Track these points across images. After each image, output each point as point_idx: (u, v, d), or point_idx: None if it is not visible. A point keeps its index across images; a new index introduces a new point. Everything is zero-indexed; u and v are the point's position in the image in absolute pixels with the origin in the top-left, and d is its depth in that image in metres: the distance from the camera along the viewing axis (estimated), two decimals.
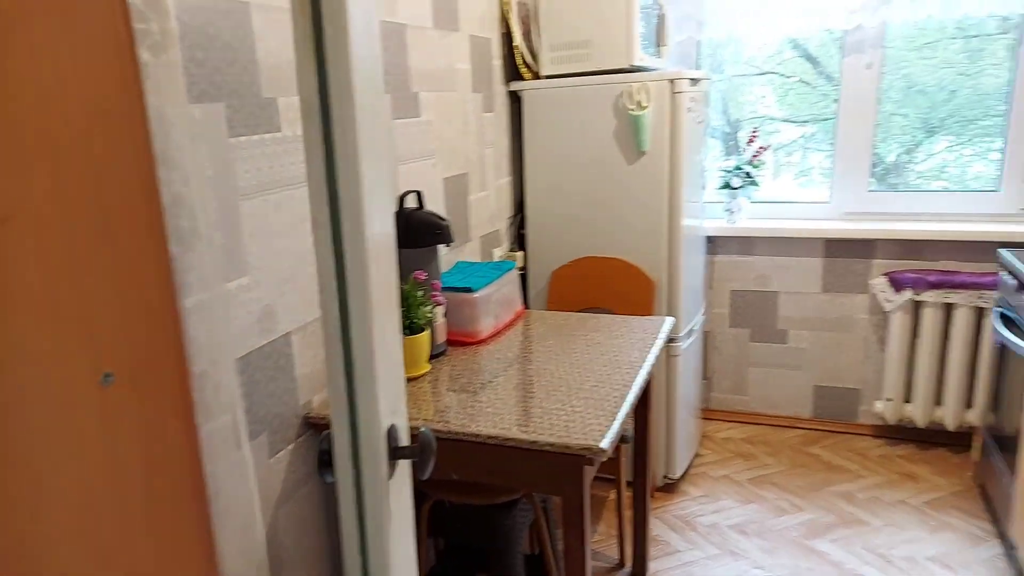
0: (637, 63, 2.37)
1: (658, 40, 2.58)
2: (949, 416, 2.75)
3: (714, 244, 3.03)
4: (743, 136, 3.07)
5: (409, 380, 1.69)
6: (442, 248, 2.11)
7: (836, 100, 2.88)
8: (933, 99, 2.83)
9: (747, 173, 2.89)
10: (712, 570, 2.19)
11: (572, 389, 1.59)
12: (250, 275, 1.40)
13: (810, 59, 2.99)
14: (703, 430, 3.09)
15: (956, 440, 2.85)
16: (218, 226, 1.31)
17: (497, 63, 2.47)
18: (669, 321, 2.03)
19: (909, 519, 2.40)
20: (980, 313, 2.65)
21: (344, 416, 0.84)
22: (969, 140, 2.83)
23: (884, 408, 2.86)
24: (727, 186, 2.92)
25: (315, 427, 1.60)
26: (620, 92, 2.36)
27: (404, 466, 0.93)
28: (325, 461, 0.85)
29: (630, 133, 2.38)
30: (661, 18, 2.58)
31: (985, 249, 2.67)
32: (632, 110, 2.33)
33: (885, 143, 2.91)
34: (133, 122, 0.69)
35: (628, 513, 2.46)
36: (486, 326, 1.91)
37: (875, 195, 2.89)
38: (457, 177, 2.23)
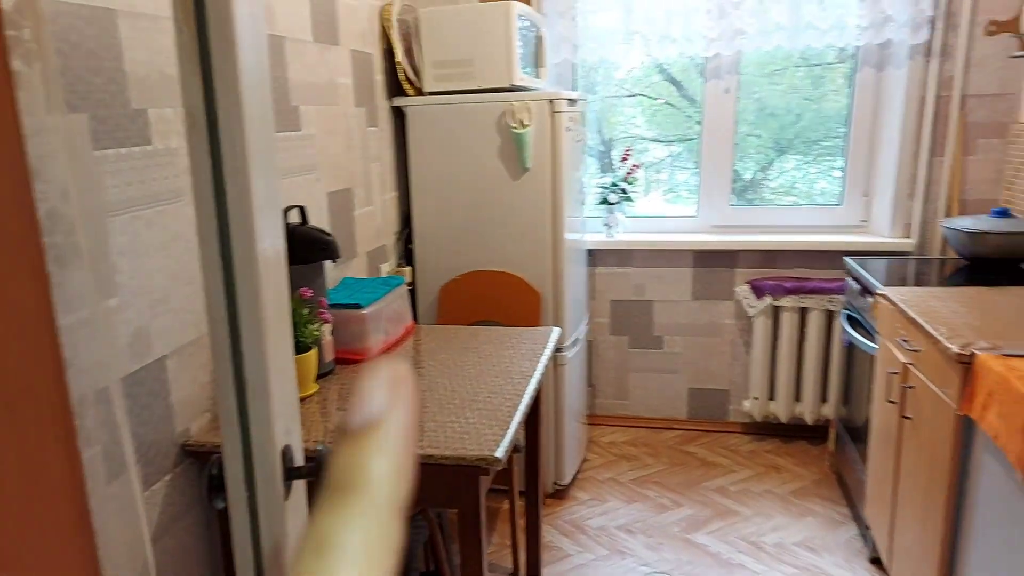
0: (518, 83, 2.44)
1: (537, 61, 2.67)
2: (807, 411, 3.00)
3: (594, 257, 3.16)
4: (616, 154, 3.23)
5: None
6: (328, 264, 2.06)
7: (699, 122, 3.10)
8: (782, 121, 3.10)
9: (622, 189, 3.04)
10: (602, 571, 2.27)
11: (465, 401, 1.60)
12: (120, 296, 1.31)
13: (674, 83, 3.20)
14: (589, 435, 3.20)
15: (814, 433, 3.12)
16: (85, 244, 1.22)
17: (379, 78, 2.46)
18: (556, 331, 2.10)
19: (776, 508, 2.60)
20: (830, 315, 2.93)
21: (236, 437, 0.81)
22: (814, 159, 3.13)
23: (751, 406, 3.09)
24: (605, 201, 3.06)
25: (194, 456, 1.51)
26: (503, 110, 2.42)
27: (300, 487, 0.91)
28: (216, 486, 0.81)
29: (513, 150, 2.44)
30: (539, 39, 2.68)
31: (832, 257, 2.96)
32: (515, 128, 2.39)
33: (743, 161, 3.16)
34: (6, 135, 0.63)
35: (521, 522, 2.49)
36: (376, 343, 1.89)
37: (736, 209, 3.13)
38: (341, 192, 2.20)
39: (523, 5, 2.47)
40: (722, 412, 3.20)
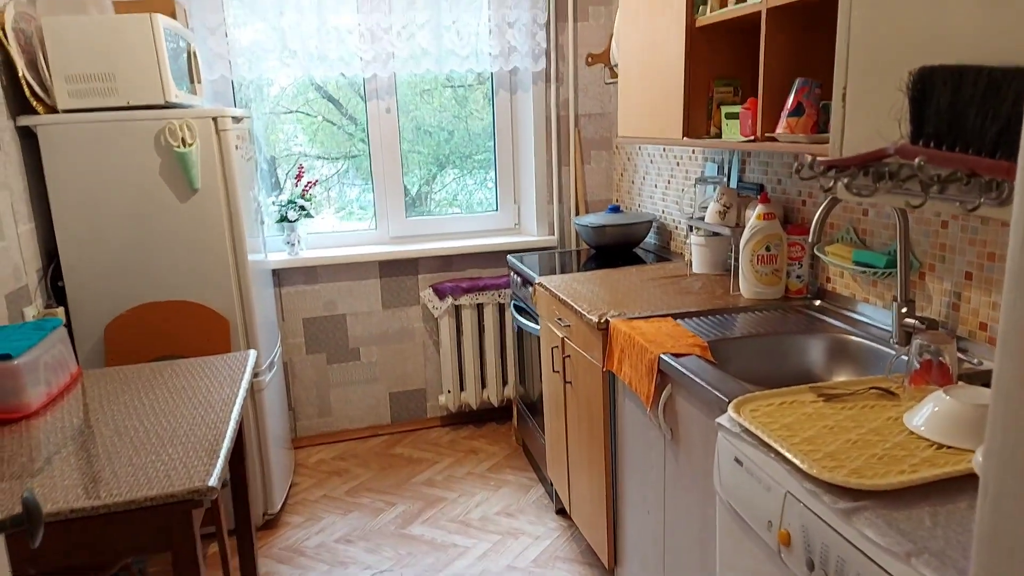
0: (173, 100, 2.30)
1: (192, 77, 2.54)
2: (493, 395, 3.36)
3: (280, 277, 3.11)
4: (283, 173, 3.22)
5: None
6: None
7: (362, 139, 3.25)
8: (437, 138, 3.42)
9: (301, 206, 3.05)
10: None
11: (164, 439, 1.50)
12: None
13: (332, 100, 3.30)
14: (295, 459, 3.13)
15: (501, 413, 3.50)
16: None
17: None
18: (252, 354, 2.04)
19: (477, 486, 2.87)
20: (502, 308, 3.32)
21: None
22: (469, 172, 3.51)
23: (446, 400, 3.34)
24: (284, 219, 3.03)
25: None
26: (161, 129, 2.26)
27: None
28: None
29: (179, 171, 2.29)
30: (191, 55, 2.55)
31: (496, 257, 3.36)
32: (177, 147, 2.25)
33: (408, 176, 3.40)
34: None
35: (234, 562, 2.36)
36: (36, 396, 1.63)
37: (411, 220, 3.36)
38: None
39: (168, 19, 2.34)
40: (421, 410, 3.41)
